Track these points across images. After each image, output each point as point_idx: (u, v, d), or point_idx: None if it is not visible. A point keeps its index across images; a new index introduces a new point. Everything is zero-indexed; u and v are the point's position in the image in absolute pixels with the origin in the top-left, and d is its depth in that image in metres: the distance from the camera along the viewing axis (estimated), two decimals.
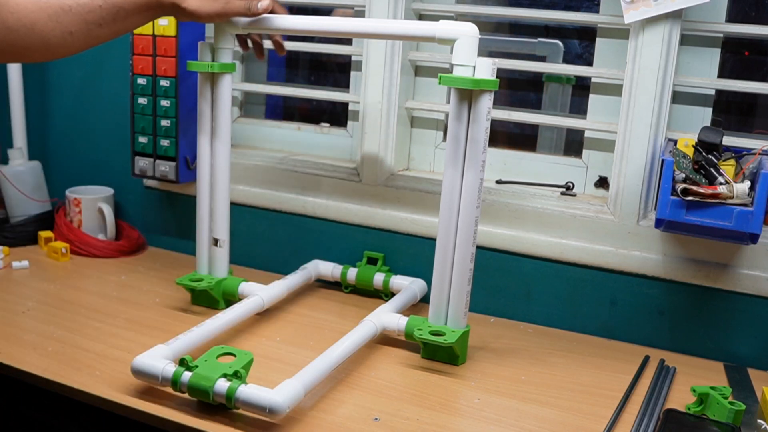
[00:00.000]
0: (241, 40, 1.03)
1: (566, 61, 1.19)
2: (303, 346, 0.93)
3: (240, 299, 1.02)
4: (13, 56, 0.80)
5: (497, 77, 0.83)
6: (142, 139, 1.19)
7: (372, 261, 1.14)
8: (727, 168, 0.88)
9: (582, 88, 1.15)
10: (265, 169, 1.21)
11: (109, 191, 1.30)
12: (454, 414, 0.78)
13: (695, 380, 0.88)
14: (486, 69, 0.82)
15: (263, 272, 1.21)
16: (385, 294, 1.10)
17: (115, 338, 0.92)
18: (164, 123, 1.17)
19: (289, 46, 1.24)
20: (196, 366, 0.76)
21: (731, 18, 0.96)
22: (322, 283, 1.17)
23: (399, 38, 1.05)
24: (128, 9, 0.85)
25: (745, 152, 0.91)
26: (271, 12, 0.94)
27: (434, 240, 0.90)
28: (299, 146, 1.26)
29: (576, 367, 0.92)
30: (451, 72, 0.83)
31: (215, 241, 1.05)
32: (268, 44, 1.10)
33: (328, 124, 1.25)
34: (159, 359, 0.77)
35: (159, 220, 1.32)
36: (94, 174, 1.36)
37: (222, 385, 0.73)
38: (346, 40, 1.21)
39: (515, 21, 1.22)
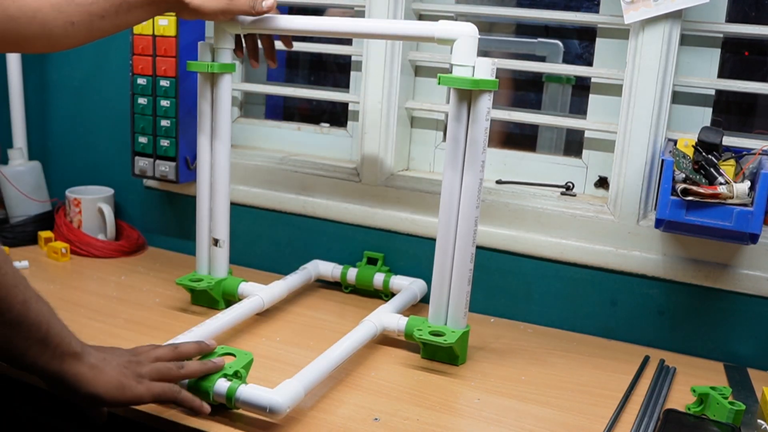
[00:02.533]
0: (237, 45, 0.99)
1: (566, 61, 1.19)
2: (303, 346, 0.93)
3: (240, 299, 1.02)
4: (13, 46, 0.79)
5: (497, 77, 0.83)
6: (142, 139, 1.19)
7: (372, 261, 1.14)
8: (727, 168, 0.88)
9: (582, 88, 1.15)
10: (265, 169, 1.21)
11: (109, 191, 1.30)
12: (454, 414, 0.78)
13: (695, 380, 0.88)
14: (485, 69, 0.82)
15: (263, 272, 1.21)
16: (385, 294, 1.10)
17: (115, 338, 0.92)
18: (164, 123, 1.17)
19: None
20: None
21: (731, 18, 0.96)
22: (322, 283, 1.17)
23: (399, 38, 1.05)
24: (131, 2, 0.83)
25: (745, 152, 0.91)
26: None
27: (434, 240, 0.90)
28: (299, 146, 1.26)
29: (576, 367, 0.92)
30: (451, 72, 0.83)
31: (215, 241, 1.05)
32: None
33: (328, 124, 1.25)
34: None
35: (159, 220, 1.32)
36: (94, 174, 1.36)
37: (222, 385, 0.73)
38: (346, 40, 1.21)
39: (515, 21, 1.22)
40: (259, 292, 1.00)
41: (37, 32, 0.78)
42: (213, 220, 1.04)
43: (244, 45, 0.99)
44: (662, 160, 0.89)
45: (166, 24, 1.12)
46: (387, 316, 0.94)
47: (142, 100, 1.17)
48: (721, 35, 0.96)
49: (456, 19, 1.07)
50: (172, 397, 0.71)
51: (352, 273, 1.11)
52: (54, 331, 0.63)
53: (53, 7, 0.78)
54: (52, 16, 0.78)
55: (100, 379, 0.66)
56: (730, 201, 0.85)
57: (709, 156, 0.86)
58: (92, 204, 1.26)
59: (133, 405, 0.69)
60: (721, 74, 0.97)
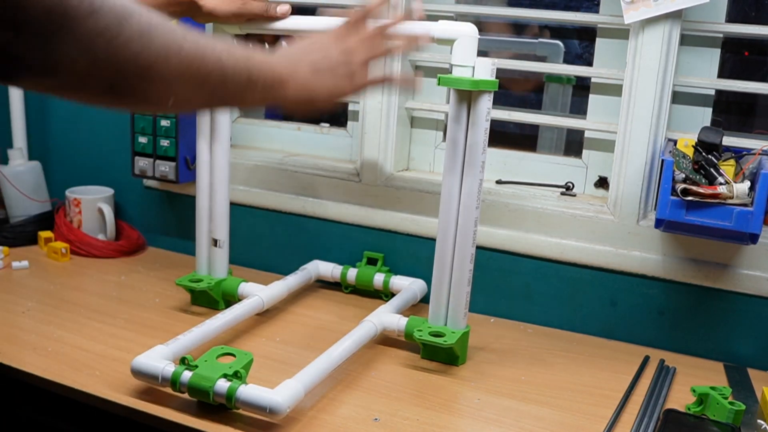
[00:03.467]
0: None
1: (566, 61, 1.19)
2: (303, 346, 0.93)
3: (240, 300, 1.02)
4: None
5: (497, 77, 0.83)
6: (142, 139, 1.19)
7: (372, 261, 1.14)
8: (727, 168, 0.88)
9: (582, 88, 1.15)
10: (265, 170, 1.21)
11: (109, 191, 1.30)
12: (454, 414, 0.78)
13: (695, 380, 0.88)
14: (485, 69, 0.82)
15: (263, 272, 1.21)
16: (385, 294, 1.10)
17: (115, 338, 0.92)
18: (164, 123, 1.16)
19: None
20: (196, 366, 0.76)
21: (731, 18, 0.96)
22: (322, 284, 1.17)
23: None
24: (149, 6, 0.85)
25: (745, 152, 0.91)
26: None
27: (434, 240, 0.90)
28: (299, 146, 1.26)
29: (576, 367, 0.92)
30: (451, 72, 0.83)
31: (215, 242, 1.05)
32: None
33: (328, 124, 1.25)
34: (159, 359, 0.77)
35: (159, 221, 1.32)
36: (94, 174, 1.36)
37: (222, 385, 0.73)
38: None
39: (515, 21, 1.22)
40: (259, 293, 1.00)
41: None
42: (213, 221, 1.04)
43: None
44: (662, 160, 0.89)
45: None
46: (387, 317, 0.94)
47: None
48: (721, 35, 0.96)
49: (456, 19, 1.07)
50: (386, 82, 0.71)
51: (352, 273, 1.11)
52: (255, 70, 0.62)
53: None
54: None
55: (316, 93, 0.66)
56: (730, 201, 0.85)
57: (709, 156, 0.86)
58: (92, 204, 1.26)
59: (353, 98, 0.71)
60: (721, 74, 0.97)
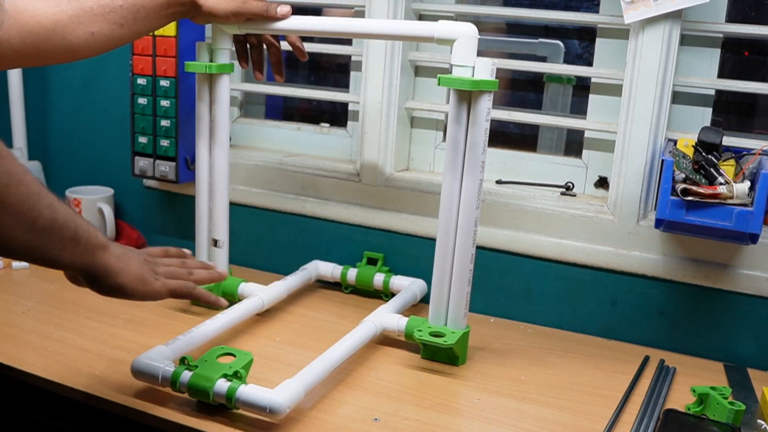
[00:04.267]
0: (242, 55, 1.01)
1: (566, 61, 1.19)
2: (303, 347, 0.93)
3: (240, 300, 1.02)
4: (34, 60, 0.79)
5: (497, 78, 0.83)
6: (142, 139, 1.19)
7: (372, 261, 1.14)
8: (727, 168, 0.88)
9: (582, 88, 1.15)
10: (265, 170, 1.21)
11: (109, 191, 1.30)
12: (454, 414, 0.78)
13: (695, 380, 0.88)
14: (485, 69, 0.82)
15: (263, 273, 1.21)
16: (385, 294, 1.10)
17: (115, 338, 0.92)
18: (164, 123, 1.16)
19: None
20: (196, 366, 0.76)
21: (731, 18, 0.96)
22: (322, 284, 1.17)
23: (399, 38, 1.05)
24: (149, 8, 0.85)
25: (745, 152, 0.91)
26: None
27: (434, 240, 0.90)
28: (299, 146, 1.26)
29: (576, 367, 0.92)
30: (451, 72, 0.83)
31: (214, 242, 1.05)
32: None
33: (328, 124, 1.25)
34: (159, 359, 0.77)
35: (159, 221, 1.32)
36: (94, 174, 1.36)
37: (222, 385, 0.73)
38: (346, 40, 1.21)
39: (515, 21, 1.22)
40: (259, 293, 1.00)
41: (58, 45, 0.78)
42: (212, 221, 1.04)
43: (249, 55, 1.00)
44: (662, 160, 0.89)
45: None
46: (387, 317, 0.94)
47: (142, 100, 1.17)
48: (721, 35, 0.96)
49: (456, 19, 1.07)
50: (187, 293, 0.74)
51: (352, 273, 1.11)
52: (82, 227, 0.64)
53: (71, 18, 0.79)
54: (71, 28, 0.79)
55: (125, 271, 0.68)
56: (730, 201, 0.85)
57: (709, 156, 0.86)
58: (92, 204, 1.26)
59: (150, 299, 0.71)
60: (721, 74, 0.97)
